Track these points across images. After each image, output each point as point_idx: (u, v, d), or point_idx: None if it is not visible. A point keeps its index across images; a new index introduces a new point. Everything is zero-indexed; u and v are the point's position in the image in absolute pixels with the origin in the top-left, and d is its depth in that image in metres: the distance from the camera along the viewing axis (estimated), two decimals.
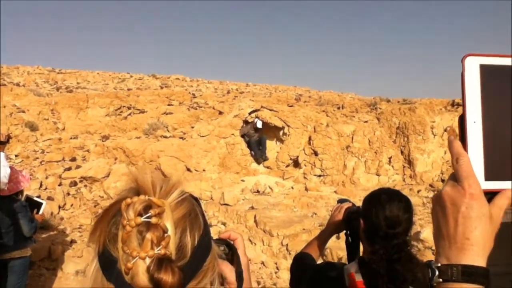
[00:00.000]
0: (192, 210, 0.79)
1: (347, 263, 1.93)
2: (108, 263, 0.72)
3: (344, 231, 2.03)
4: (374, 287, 1.66)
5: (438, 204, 0.71)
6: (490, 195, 0.69)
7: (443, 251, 0.69)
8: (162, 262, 0.70)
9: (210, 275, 0.80)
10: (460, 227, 0.66)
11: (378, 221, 1.71)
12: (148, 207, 0.72)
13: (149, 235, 0.70)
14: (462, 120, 0.71)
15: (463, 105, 0.71)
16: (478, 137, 0.70)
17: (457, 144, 0.70)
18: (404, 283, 1.58)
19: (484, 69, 0.71)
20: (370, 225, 1.76)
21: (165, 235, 0.71)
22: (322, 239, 2.19)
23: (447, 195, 0.69)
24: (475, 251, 0.66)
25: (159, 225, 0.71)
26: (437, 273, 0.67)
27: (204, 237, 0.79)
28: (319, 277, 1.92)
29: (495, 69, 0.71)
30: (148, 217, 0.71)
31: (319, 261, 2.16)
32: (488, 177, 0.70)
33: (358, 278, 1.69)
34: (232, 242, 1.05)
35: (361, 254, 1.94)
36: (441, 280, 0.67)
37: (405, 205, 1.74)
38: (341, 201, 2.19)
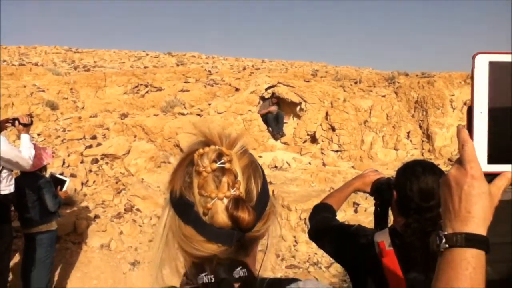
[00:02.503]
0: (253, 161, 0.88)
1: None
2: (185, 208, 0.81)
3: (374, 202, 2.02)
4: (406, 258, 1.67)
5: (445, 184, 0.82)
6: (492, 177, 0.79)
7: (449, 223, 0.80)
8: (238, 201, 0.79)
9: (272, 218, 0.89)
10: (463, 202, 0.77)
11: (411, 193, 1.71)
12: (220, 155, 0.81)
13: (225, 179, 0.79)
14: (470, 111, 0.81)
15: (472, 97, 0.80)
16: (483, 126, 0.79)
17: (464, 132, 0.80)
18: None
19: (493, 65, 0.79)
20: (403, 197, 1.76)
21: (237, 179, 0.80)
22: (345, 193, 2.17)
23: (452, 176, 0.80)
24: (476, 222, 0.77)
25: (232, 170, 0.80)
26: (444, 240, 0.78)
27: (264, 184, 0.88)
28: (348, 240, 1.92)
29: (503, 66, 0.79)
30: (222, 163, 0.80)
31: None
32: (490, 161, 0.80)
33: (388, 247, 1.70)
34: None
35: (389, 224, 1.93)
36: (447, 246, 0.78)
37: (440, 177, 1.70)
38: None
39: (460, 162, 0.80)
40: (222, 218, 0.78)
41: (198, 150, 0.82)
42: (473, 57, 0.78)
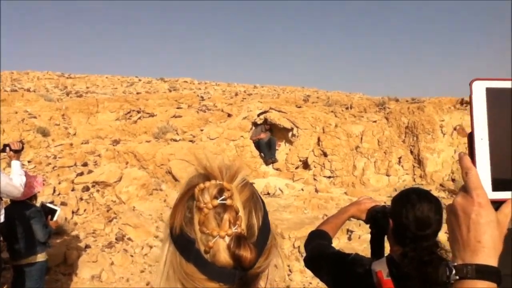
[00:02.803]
0: (253, 193, 0.86)
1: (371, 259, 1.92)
2: (186, 245, 0.79)
3: (370, 230, 2.01)
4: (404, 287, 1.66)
5: (451, 213, 0.79)
6: (498, 204, 0.77)
7: (458, 254, 0.76)
8: (240, 239, 0.77)
9: (274, 252, 0.88)
10: (471, 232, 0.74)
11: (407, 221, 1.70)
12: (221, 190, 0.79)
13: (226, 216, 0.77)
14: (471, 137, 0.79)
15: (471, 124, 0.78)
16: (485, 152, 0.78)
17: (466, 159, 0.78)
18: (436, 285, 1.58)
19: (490, 91, 0.78)
20: (399, 226, 1.75)
21: (238, 215, 0.79)
22: (340, 219, 2.14)
23: (459, 204, 0.77)
24: (487, 252, 0.73)
25: (233, 206, 0.78)
26: (454, 271, 0.75)
27: (265, 217, 0.86)
28: (345, 269, 1.90)
29: (500, 91, 0.79)
30: (223, 199, 0.78)
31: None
32: (495, 188, 0.78)
33: (386, 277, 1.69)
34: None
35: (386, 253, 1.92)
36: (457, 277, 0.74)
37: (436, 206, 1.72)
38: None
39: (465, 189, 0.77)
40: (224, 257, 0.77)
41: (198, 184, 0.80)
42: (470, 84, 0.78)
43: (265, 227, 0.85)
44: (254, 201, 0.85)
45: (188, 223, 0.80)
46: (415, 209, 1.70)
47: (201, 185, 0.79)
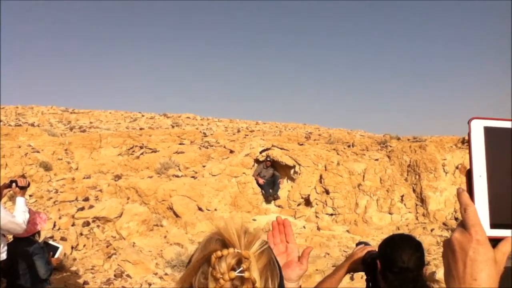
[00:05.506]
0: (270, 259, 0.85)
1: None
2: None
3: (365, 277, 2.06)
4: None
5: (449, 248, 0.78)
6: (495, 242, 0.77)
7: None
8: None
9: None
10: (468, 269, 0.74)
11: (392, 257, 1.86)
12: (239, 261, 0.78)
13: None
14: (469, 174, 0.80)
15: (470, 161, 0.80)
16: (483, 189, 0.79)
17: (465, 195, 0.78)
18: None
19: (488, 130, 0.80)
20: (385, 263, 1.89)
21: (254, 286, 0.78)
22: (336, 278, 2.16)
23: (456, 240, 0.76)
24: None
25: (250, 279, 0.77)
26: None
27: (281, 284, 0.86)
28: None
29: (497, 131, 0.81)
30: (241, 271, 0.77)
31: None
32: (493, 225, 0.78)
33: None
34: None
35: None
36: None
37: (417, 244, 1.92)
38: (362, 243, 2.23)
39: (463, 226, 0.77)
40: None
41: (216, 251, 0.78)
42: (469, 122, 0.80)
43: None
44: (271, 268, 0.84)
45: None
46: (398, 247, 1.88)
47: (219, 253, 0.78)
